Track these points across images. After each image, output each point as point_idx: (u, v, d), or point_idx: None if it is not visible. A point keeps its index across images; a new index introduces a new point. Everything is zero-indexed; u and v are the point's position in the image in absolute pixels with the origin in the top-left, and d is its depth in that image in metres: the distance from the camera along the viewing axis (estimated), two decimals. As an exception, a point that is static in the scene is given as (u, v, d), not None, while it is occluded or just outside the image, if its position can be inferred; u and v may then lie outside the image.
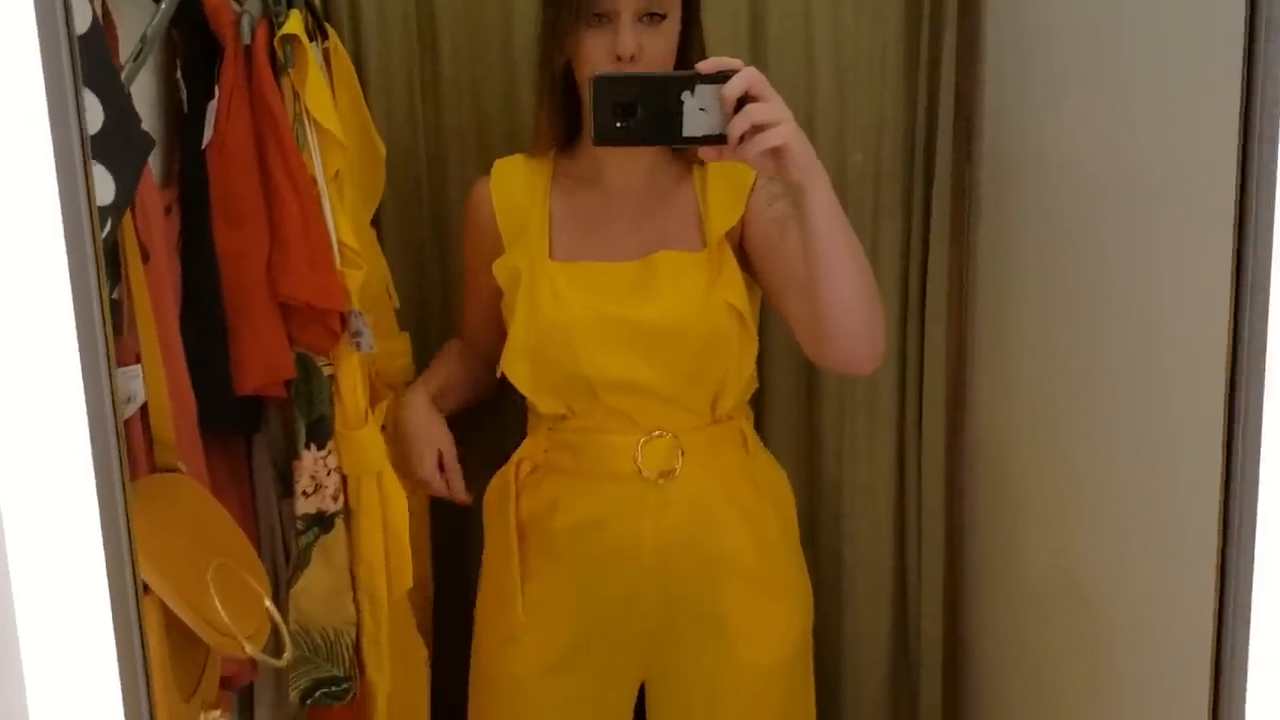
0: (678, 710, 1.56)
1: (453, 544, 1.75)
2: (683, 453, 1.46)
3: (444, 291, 1.78)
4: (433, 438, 1.54)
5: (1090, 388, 1.36)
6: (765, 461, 1.57)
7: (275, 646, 1.21)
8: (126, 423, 1.12)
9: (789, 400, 1.77)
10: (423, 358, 1.70)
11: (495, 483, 1.56)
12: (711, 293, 1.42)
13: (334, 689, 1.45)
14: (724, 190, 1.45)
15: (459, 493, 1.55)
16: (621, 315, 1.42)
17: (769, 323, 1.63)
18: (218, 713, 1.09)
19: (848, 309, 1.27)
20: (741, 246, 1.46)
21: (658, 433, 1.46)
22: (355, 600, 1.47)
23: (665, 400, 1.45)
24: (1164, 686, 1.18)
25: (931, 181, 1.70)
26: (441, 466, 1.54)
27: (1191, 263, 1.04)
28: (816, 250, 1.23)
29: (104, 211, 0.96)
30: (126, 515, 0.80)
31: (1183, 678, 1.10)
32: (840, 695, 1.81)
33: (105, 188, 0.96)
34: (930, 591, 1.76)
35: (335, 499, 1.43)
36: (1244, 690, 0.83)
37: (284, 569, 1.47)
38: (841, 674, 1.80)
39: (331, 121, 1.38)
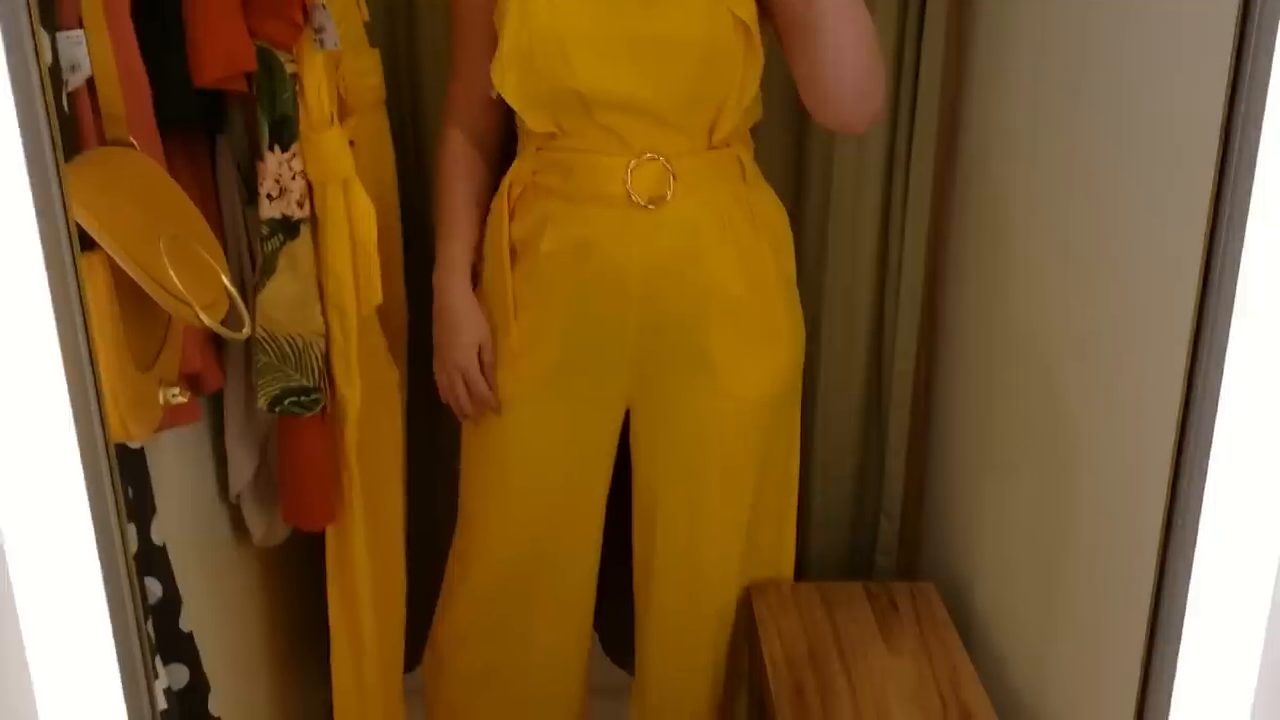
0: (658, 439, 1.56)
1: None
2: (674, 178, 1.41)
3: (412, 5, 1.71)
4: (475, 333, 1.53)
5: (1084, 132, 1.32)
6: (764, 194, 1.52)
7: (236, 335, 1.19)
8: (74, 95, 1.06)
9: (777, 127, 1.71)
10: (392, 77, 1.64)
11: (491, 209, 1.53)
12: (717, 1, 1.34)
13: (303, 399, 1.44)
14: None
15: (488, 400, 1.55)
16: (619, 23, 1.35)
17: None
18: (176, 390, 1.08)
19: (851, 76, 1.30)
20: None
21: (649, 156, 1.41)
22: (324, 312, 1.45)
23: (660, 120, 1.39)
24: (1126, 454, 1.18)
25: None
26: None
27: (1196, 17, 1.00)
28: (825, 19, 1.25)
29: None
30: (56, 150, 0.76)
31: (1145, 446, 1.10)
32: (812, 427, 1.82)
33: None
34: (906, 327, 1.75)
35: (301, 205, 1.40)
36: (1205, 468, 0.81)
37: (251, 276, 1.44)
38: (816, 405, 1.81)
39: None
